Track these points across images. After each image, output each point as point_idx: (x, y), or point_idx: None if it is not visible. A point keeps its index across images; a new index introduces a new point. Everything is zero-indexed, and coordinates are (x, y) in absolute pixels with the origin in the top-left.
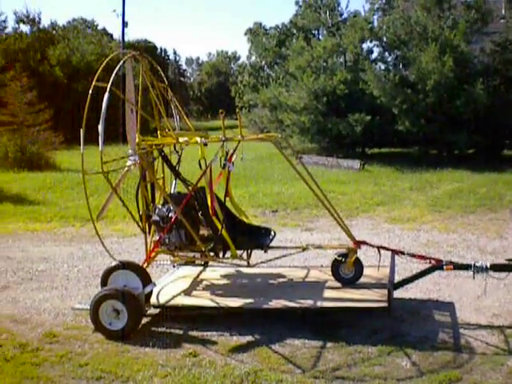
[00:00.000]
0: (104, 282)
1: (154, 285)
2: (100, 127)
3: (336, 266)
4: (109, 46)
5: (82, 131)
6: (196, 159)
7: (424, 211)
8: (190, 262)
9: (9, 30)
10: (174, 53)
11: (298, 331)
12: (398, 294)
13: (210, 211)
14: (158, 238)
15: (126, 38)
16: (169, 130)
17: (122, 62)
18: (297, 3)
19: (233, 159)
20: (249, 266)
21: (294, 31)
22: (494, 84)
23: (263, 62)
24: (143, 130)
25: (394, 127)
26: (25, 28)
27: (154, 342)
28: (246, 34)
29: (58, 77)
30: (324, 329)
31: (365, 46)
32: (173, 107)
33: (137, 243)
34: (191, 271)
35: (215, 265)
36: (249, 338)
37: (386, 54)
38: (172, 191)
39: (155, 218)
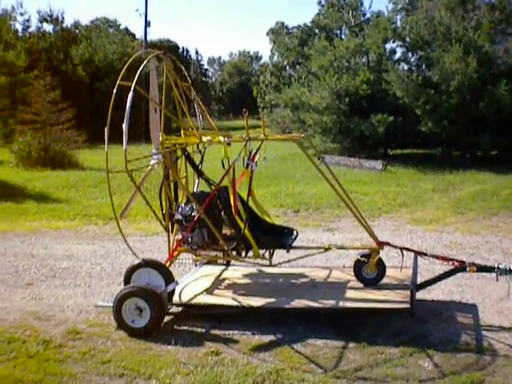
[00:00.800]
0: (127, 280)
1: (177, 283)
2: (124, 126)
3: (358, 267)
4: (131, 45)
5: (106, 130)
6: (218, 159)
7: (447, 213)
8: (213, 261)
9: (32, 29)
10: (196, 52)
11: (320, 331)
12: (420, 295)
13: (233, 210)
14: (180, 236)
15: (149, 38)
16: (192, 129)
17: (146, 60)
18: (319, 3)
19: (256, 159)
20: (271, 265)
21: (317, 31)
22: None
23: (285, 62)
24: (166, 130)
25: (416, 128)
26: (48, 27)
27: (177, 340)
28: (268, 33)
29: (80, 76)
30: (346, 329)
31: (388, 46)
32: (196, 106)
33: (159, 242)
34: (213, 270)
35: (237, 264)
36: (271, 338)
37: (409, 54)
38: (195, 190)
39: (178, 216)
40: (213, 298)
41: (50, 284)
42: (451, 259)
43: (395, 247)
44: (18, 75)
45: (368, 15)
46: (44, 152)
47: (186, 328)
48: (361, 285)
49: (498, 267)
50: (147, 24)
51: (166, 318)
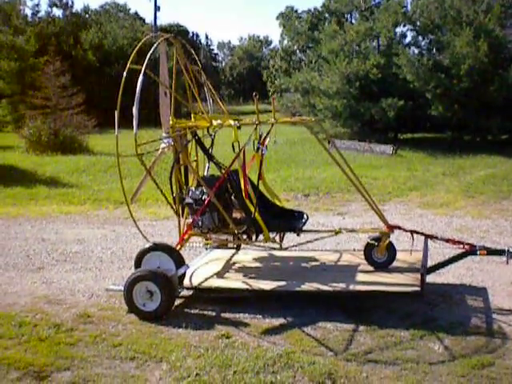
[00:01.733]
0: (138, 264)
1: (187, 267)
2: (134, 110)
3: (369, 250)
4: (141, 30)
5: (116, 113)
6: (229, 143)
7: (457, 197)
8: (223, 245)
9: (42, 14)
10: (206, 37)
11: (331, 314)
12: (430, 278)
13: (243, 194)
14: (191, 220)
15: (158, 22)
16: (202, 113)
17: (156, 44)
18: None
19: (266, 142)
20: (281, 249)
21: (327, 15)
22: None
23: (295, 47)
24: (176, 114)
25: (427, 112)
26: (58, 12)
27: (187, 324)
28: (277, 18)
29: (90, 61)
30: (356, 312)
31: (398, 30)
32: (206, 90)
33: (169, 226)
34: (224, 254)
35: (248, 247)
36: (281, 321)
37: (420, 38)
38: (205, 174)
39: (188, 200)
40: (223, 282)
41: (61, 268)
42: (461, 242)
43: (405, 231)
44: (27, 60)
45: None
46: (54, 137)
47: (196, 311)
48: (371, 268)
49: (508, 250)
50: (157, 8)
51: (177, 302)
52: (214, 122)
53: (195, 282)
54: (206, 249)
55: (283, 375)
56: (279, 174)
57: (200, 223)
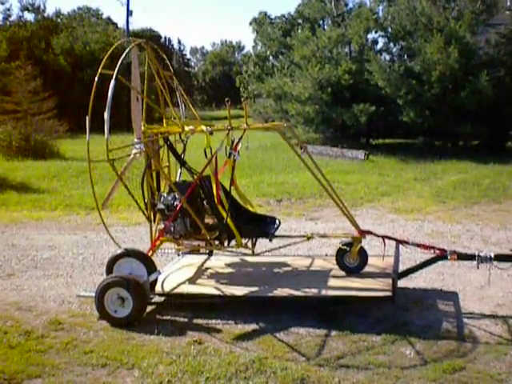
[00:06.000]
0: (109, 270)
1: (159, 273)
2: (106, 115)
3: (341, 255)
4: (113, 35)
5: (87, 118)
6: (201, 148)
7: (428, 202)
8: (195, 251)
9: (13, 18)
10: (179, 42)
11: (303, 320)
12: (402, 283)
13: (216, 200)
14: (163, 226)
15: (131, 27)
16: (174, 119)
17: (128, 49)
18: None
19: (238, 148)
20: (254, 254)
21: (300, 21)
22: (499, 75)
23: (268, 52)
24: (148, 119)
25: (398, 118)
26: (29, 16)
27: (159, 330)
28: (251, 23)
29: (62, 65)
30: (329, 317)
31: (370, 36)
32: (178, 96)
33: (141, 232)
34: (196, 260)
35: (220, 253)
36: (253, 327)
37: (391, 44)
38: (177, 180)
39: (160, 206)
40: (195, 288)
41: (32, 274)
42: (432, 247)
43: (377, 236)
44: None
45: (350, 5)
46: (25, 142)
47: (168, 317)
48: (343, 273)
49: (478, 255)
50: (129, 13)
51: (149, 308)
52: (186, 128)
53: (167, 288)
54: (178, 255)
55: (255, 381)
56: (252, 180)
57: (172, 229)
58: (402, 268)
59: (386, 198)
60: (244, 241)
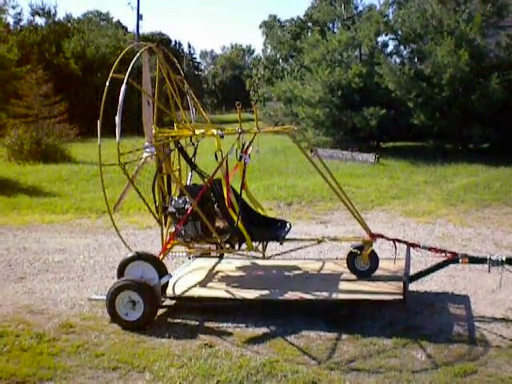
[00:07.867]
0: (120, 273)
1: (170, 276)
2: (117, 119)
3: (351, 259)
4: (123, 38)
5: (99, 122)
6: (211, 151)
7: (439, 205)
8: (206, 254)
9: (24, 22)
10: (189, 46)
11: (314, 323)
12: (413, 286)
13: (226, 203)
14: (173, 229)
15: (141, 31)
16: (185, 122)
17: (139, 53)
18: None
19: (249, 151)
20: (264, 258)
21: (309, 24)
22: (510, 78)
23: (278, 55)
24: (159, 123)
25: (408, 121)
26: (40, 21)
27: (170, 333)
28: (260, 27)
29: (72, 69)
30: (339, 321)
31: (380, 39)
32: (189, 99)
33: (152, 235)
34: (207, 263)
35: (231, 257)
36: (264, 330)
37: (402, 47)
38: (188, 183)
39: (171, 209)
40: (206, 291)
41: (43, 278)
42: (443, 251)
43: (388, 239)
44: (9, 69)
45: (360, 8)
46: (36, 145)
47: (179, 321)
48: (354, 277)
49: (489, 258)
50: (139, 17)
51: (160, 311)
52: (197, 131)
53: (178, 292)
54: (189, 258)
55: None
56: (262, 183)
57: (183, 232)
58: (413, 271)
59: (396, 201)
60: (255, 244)
